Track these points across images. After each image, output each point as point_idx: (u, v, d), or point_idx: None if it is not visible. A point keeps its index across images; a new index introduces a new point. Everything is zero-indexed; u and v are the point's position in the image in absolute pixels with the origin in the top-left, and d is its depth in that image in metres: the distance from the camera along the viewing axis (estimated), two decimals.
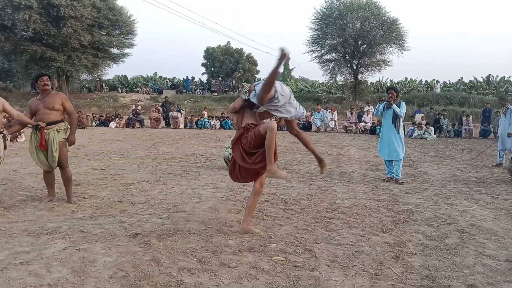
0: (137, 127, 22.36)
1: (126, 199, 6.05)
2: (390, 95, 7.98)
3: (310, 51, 33.25)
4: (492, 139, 18.89)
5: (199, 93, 39.40)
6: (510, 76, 37.12)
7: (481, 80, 37.23)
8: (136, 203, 5.83)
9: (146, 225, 4.77)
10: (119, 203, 5.81)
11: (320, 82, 40.97)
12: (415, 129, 19.14)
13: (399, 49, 31.35)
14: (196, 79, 44.40)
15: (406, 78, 40.06)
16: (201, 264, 3.66)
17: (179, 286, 3.24)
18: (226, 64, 43.38)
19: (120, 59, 35.94)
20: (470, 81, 37.61)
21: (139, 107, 24.91)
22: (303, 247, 4.17)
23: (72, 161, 9.60)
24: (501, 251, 4.17)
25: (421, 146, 15.13)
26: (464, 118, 20.57)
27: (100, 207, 5.57)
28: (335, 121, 22.54)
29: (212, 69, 44.84)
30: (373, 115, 21.71)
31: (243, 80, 42.99)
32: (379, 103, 8.42)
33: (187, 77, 43.26)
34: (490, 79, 36.92)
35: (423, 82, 38.87)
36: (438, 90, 34.46)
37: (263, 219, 5.16)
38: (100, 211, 5.40)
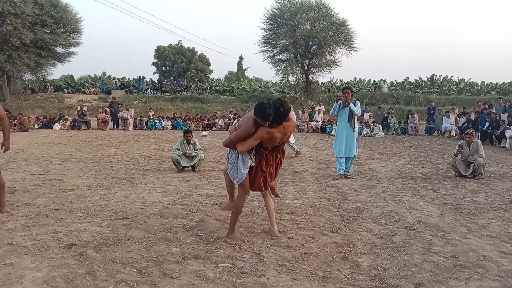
0: (83, 129, 21.35)
1: (64, 207, 5.63)
2: (346, 94, 8.05)
3: (262, 51, 33.32)
4: (436, 136, 19.70)
5: (150, 93, 38.44)
6: (452, 76, 39.17)
7: (425, 79, 38.89)
8: (74, 211, 5.44)
9: (83, 235, 4.42)
10: (56, 211, 5.39)
11: (273, 82, 41.24)
12: (364, 127, 19.58)
13: (348, 50, 32.03)
14: (147, 79, 43.36)
15: (355, 78, 41.24)
16: (141, 275, 3.41)
17: None
18: (178, 64, 42.47)
19: (66, 59, 34.60)
20: (416, 80, 39.22)
21: (85, 108, 23.81)
22: (251, 252, 4.01)
23: (9, 166, 8.98)
24: (447, 247, 4.21)
25: (369, 143, 15.46)
26: (410, 116, 21.29)
27: (35, 216, 5.15)
28: None
29: (164, 68, 43.80)
30: (324, 114, 22.05)
31: (196, 80, 42.43)
32: (336, 102, 8.45)
33: (138, 76, 42.15)
34: (434, 78, 38.69)
35: (371, 82, 40.06)
36: (386, 90, 35.59)
37: (211, 223, 4.96)
38: (34, 220, 4.98)
